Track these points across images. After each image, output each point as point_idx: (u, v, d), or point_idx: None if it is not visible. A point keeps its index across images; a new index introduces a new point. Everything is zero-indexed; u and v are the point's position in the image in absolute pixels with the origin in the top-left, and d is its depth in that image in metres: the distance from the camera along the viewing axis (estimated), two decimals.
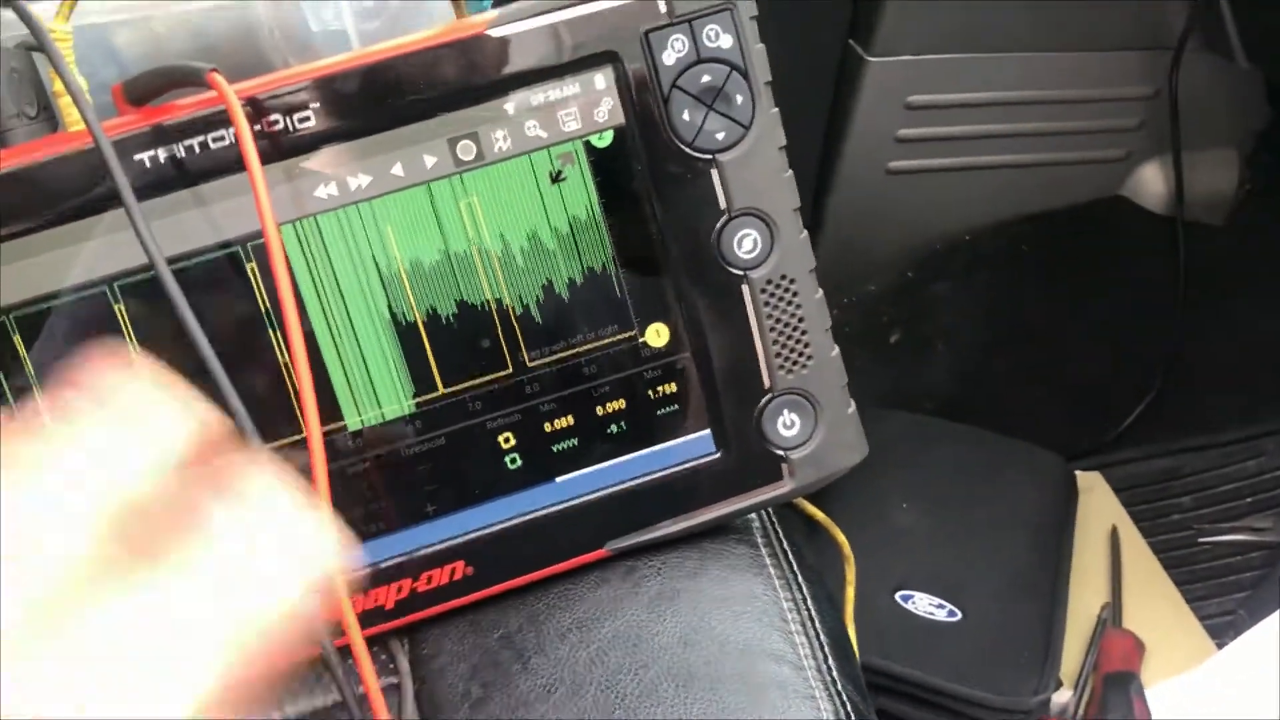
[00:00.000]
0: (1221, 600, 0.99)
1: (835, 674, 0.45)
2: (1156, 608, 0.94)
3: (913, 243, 1.03)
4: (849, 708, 0.44)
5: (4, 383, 0.43)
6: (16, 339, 0.43)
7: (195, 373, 0.44)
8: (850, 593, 0.55)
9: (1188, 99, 0.96)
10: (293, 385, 0.45)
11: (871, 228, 1.00)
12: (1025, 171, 1.00)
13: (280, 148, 0.43)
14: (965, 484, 0.93)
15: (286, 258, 0.43)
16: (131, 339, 0.44)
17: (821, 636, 0.46)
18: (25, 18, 0.39)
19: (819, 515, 0.54)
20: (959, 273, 1.05)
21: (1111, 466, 1.07)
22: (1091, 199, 1.03)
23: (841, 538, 0.55)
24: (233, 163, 0.43)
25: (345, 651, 0.40)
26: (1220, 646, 0.89)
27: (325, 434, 0.45)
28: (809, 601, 0.48)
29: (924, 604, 0.83)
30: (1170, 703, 0.84)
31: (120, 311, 0.43)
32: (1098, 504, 1.02)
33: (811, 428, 0.47)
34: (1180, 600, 0.95)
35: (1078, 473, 1.00)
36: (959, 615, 0.83)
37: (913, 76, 0.94)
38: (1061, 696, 0.83)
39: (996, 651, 0.81)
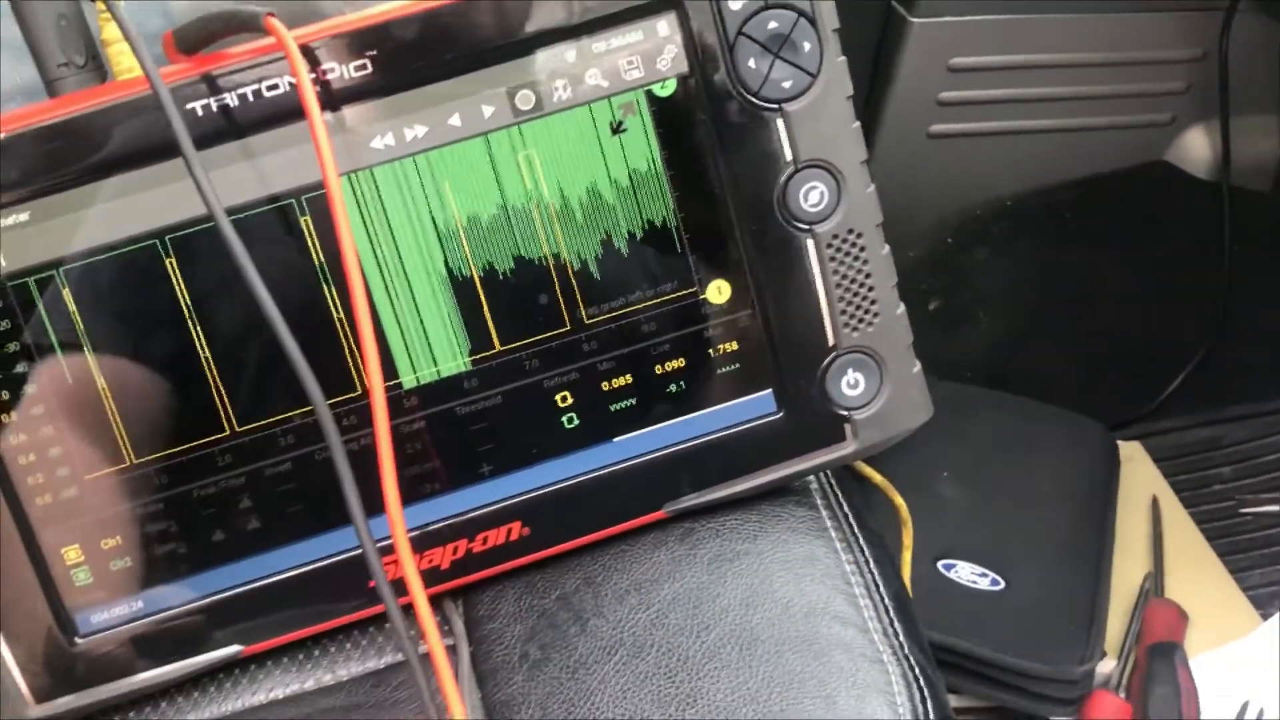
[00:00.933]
0: (1265, 571, 0.97)
1: (902, 637, 0.44)
2: (1199, 578, 0.93)
3: (953, 208, 1.02)
4: (916, 670, 0.43)
5: (54, 338, 0.42)
6: (66, 293, 0.42)
7: (250, 328, 0.43)
8: (907, 557, 0.54)
9: (1237, 62, 0.94)
10: (346, 342, 0.44)
11: (911, 193, 0.98)
12: (1068, 136, 0.98)
13: (335, 97, 0.42)
14: (1007, 453, 0.92)
15: None
16: (182, 293, 0.43)
17: (886, 599, 0.45)
18: None
19: (876, 477, 0.53)
20: (999, 239, 1.03)
21: (1152, 436, 1.06)
22: (1135, 164, 1.01)
23: (899, 500, 0.54)
24: (287, 112, 0.42)
25: (406, 611, 0.40)
26: (1265, 617, 0.88)
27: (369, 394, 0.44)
28: (871, 564, 0.47)
29: (967, 573, 0.82)
30: (1214, 672, 0.83)
31: (171, 266, 0.43)
32: (1139, 473, 1.01)
33: (876, 387, 0.46)
34: (1223, 570, 0.94)
35: (1119, 442, 0.99)
36: (1002, 584, 0.82)
37: (956, 38, 0.92)
38: (1106, 666, 0.82)
39: (1041, 621, 0.80)
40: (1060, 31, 0.93)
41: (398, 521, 0.39)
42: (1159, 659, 0.82)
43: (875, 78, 0.95)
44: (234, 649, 0.45)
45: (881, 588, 0.46)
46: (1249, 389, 1.06)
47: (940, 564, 0.82)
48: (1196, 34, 0.94)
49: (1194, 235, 1.03)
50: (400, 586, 0.39)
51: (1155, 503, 0.97)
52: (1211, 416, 1.07)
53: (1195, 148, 1.01)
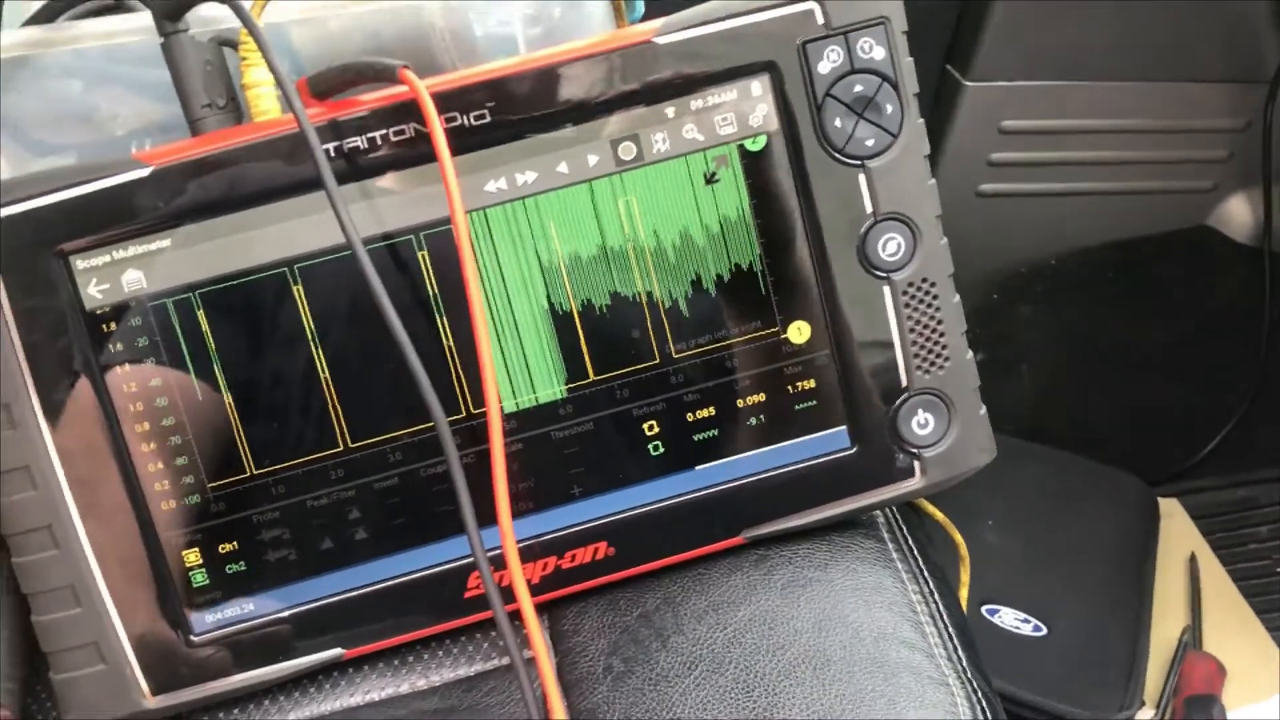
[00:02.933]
0: None
1: (966, 664, 0.47)
2: (1236, 634, 0.94)
3: (999, 265, 1.05)
4: (979, 694, 0.46)
5: (187, 356, 0.46)
6: (200, 315, 0.46)
7: (367, 352, 0.47)
8: (964, 593, 0.57)
9: None
10: (455, 368, 0.47)
11: (960, 248, 1.00)
12: (1114, 199, 1.02)
13: (456, 143, 0.45)
14: (1050, 505, 0.94)
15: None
16: (306, 318, 0.46)
17: (950, 628, 0.48)
18: (240, 12, 0.42)
19: (938, 515, 0.56)
20: (1044, 296, 1.06)
21: (1189, 494, 1.08)
22: (1178, 228, 1.04)
23: (958, 537, 0.56)
24: (411, 155, 0.45)
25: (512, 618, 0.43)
26: None
27: (486, 414, 0.47)
28: (935, 595, 0.49)
29: (1010, 618, 0.84)
30: None
31: (298, 292, 0.46)
32: (1177, 530, 1.03)
33: (945, 427, 0.49)
34: (1260, 627, 0.95)
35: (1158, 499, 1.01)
36: (1044, 630, 0.84)
37: (1007, 102, 0.96)
38: (1144, 715, 0.84)
39: (1081, 667, 0.82)
40: (1109, 98, 0.97)
41: (508, 532, 0.42)
42: (1197, 711, 0.84)
43: (929, 139, 0.98)
44: (336, 652, 0.48)
45: (945, 616, 0.48)
46: None
47: (984, 608, 0.85)
48: (1241, 105, 0.97)
49: (1234, 298, 1.06)
50: (503, 595, 0.42)
51: (1193, 559, 0.99)
52: (1248, 477, 1.09)
53: (1237, 213, 1.04)
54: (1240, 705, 0.87)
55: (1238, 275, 1.05)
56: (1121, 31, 0.94)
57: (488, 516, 0.43)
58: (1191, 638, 0.92)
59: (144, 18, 0.48)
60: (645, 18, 0.61)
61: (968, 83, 0.95)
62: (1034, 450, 1.00)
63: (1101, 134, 0.98)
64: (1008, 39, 0.93)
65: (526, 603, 0.41)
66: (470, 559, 0.47)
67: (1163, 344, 1.08)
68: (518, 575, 0.41)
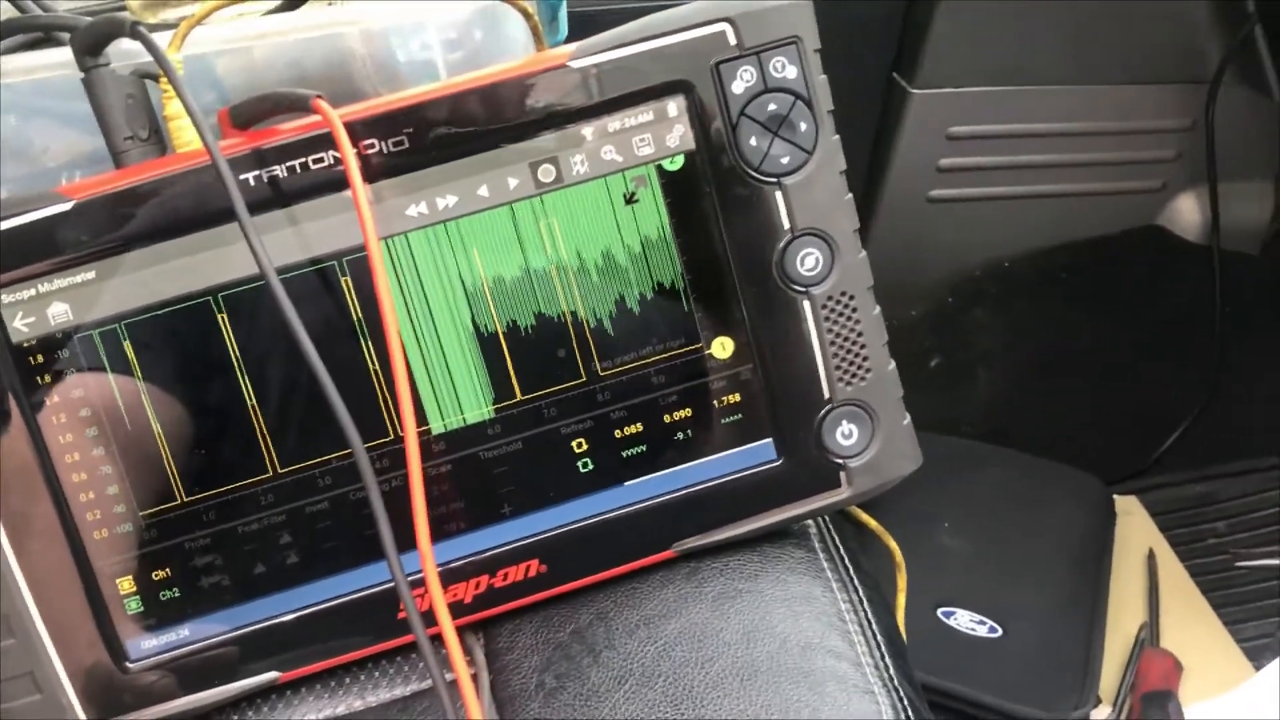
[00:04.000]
0: (1259, 624, 1.00)
1: (892, 671, 0.47)
2: (1194, 630, 0.95)
3: (953, 269, 1.06)
4: (905, 703, 0.46)
5: (114, 386, 0.46)
6: (127, 345, 0.46)
7: (292, 378, 0.47)
8: (901, 599, 0.57)
9: (1224, 131, 0.98)
10: (380, 391, 0.48)
11: (912, 255, 1.03)
12: (1063, 201, 1.03)
13: (375, 169, 0.46)
14: (1006, 506, 0.95)
15: None
16: (232, 346, 0.47)
17: (878, 636, 0.49)
18: (152, 48, 0.43)
19: (872, 523, 0.56)
20: (998, 299, 1.07)
21: (1148, 491, 1.09)
22: (1128, 228, 1.05)
23: (893, 544, 0.57)
24: (330, 183, 0.46)
25: (433, 641, 0.43)
26: (1258, 668, 0.90)
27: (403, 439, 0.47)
28: (865, 603, 0.50)
29: (966, 620, 0.85)
30: None
31: (222, 320, 0.47)
32: (1135, 528, 1.04)
33: (869, 437, 0.50)
34: (1217, 623, 0.96)
35: (1115, 497, 1.02)
36: (1000, 632, 0.85)
37: (954, 108, 0.97)
38: (1101, 713, 0.85)
39: (1037, 667, 0.83)
40: (1055, 102, 0.98)
41: (428, 556, 0.42)
42: (1153, 707, 0.85)
43: (877, 145, 0.99)
44: (272, 675, 0.48)
45: (874, 625, 0.49)
46: (1242, 446, 1.09)
47: (940, 611, 0.85)
48: (1185, 105, 0.99)
49: (1186, 296, 1.07)
50: (428, 618, 0.43)
51: (1151, 555, 1.00)
52: (1205, 473, 1.10)
53: (1186, 212, 1.05)
54: (1197, 700, 0.88)
55: (1189, 273, 1.06)
56: (1065, 36, 0.95)
57: (413, 539, 0.44)
58: (1149, 634, 0.93)
59: (65, 52, 0.48)
60: (569, 40, 0.62)
61: (914, 90, 0.96)
62: (990, 452, 1.01)
63: (1049, 137, 1.00)
64: (952, 46, 0.94)
65: (447, 624, 0.41)
66: None
67: (1117, 343, 1.09)
68: (438, 598, 0.42)
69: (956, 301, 1.07)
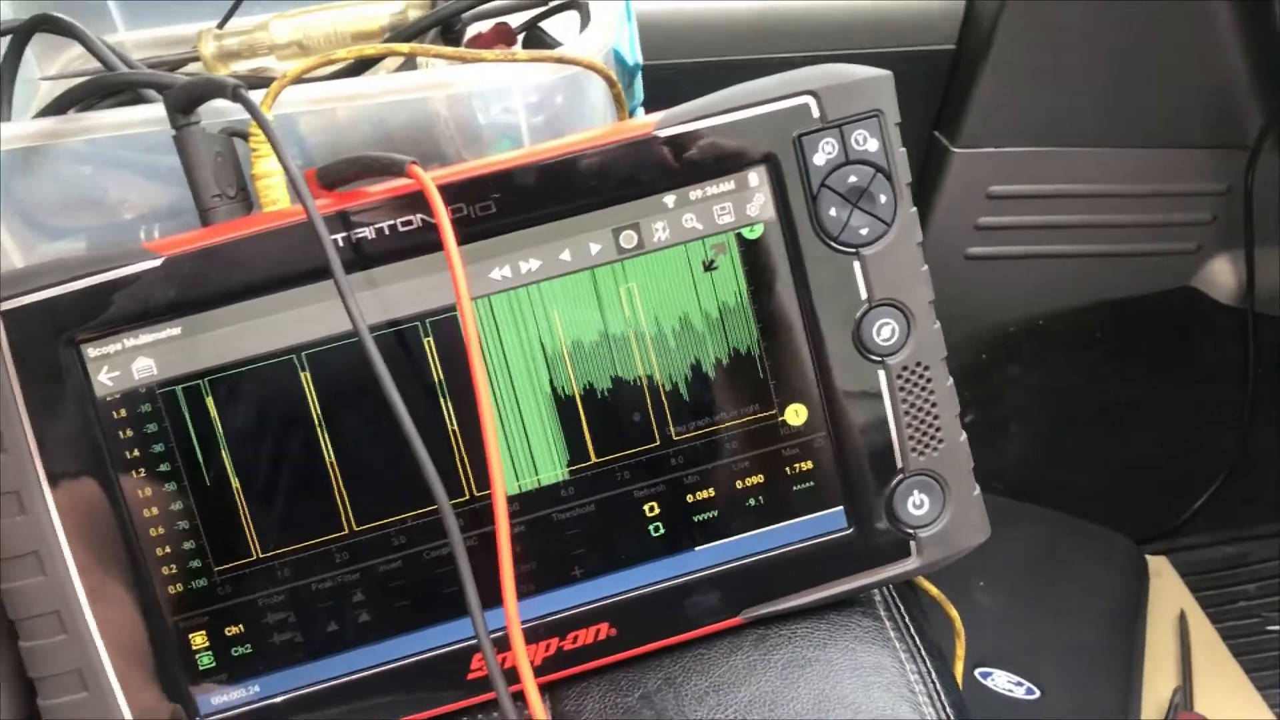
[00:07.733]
0: None
1: None
2: (1227, 693, 0.95)
3: (988, 326, 1.06)
4: None
5: (195, 442, 0.47)
6: (209, 401, 0.47)
7: (372, 437, 0.47)
8: (960, 667, 0.57)
9: (1261, 196, 0.99)
10: (459, 451, 0.48)
11: (948, 311, 1.02)
12: (1099, 261, 1.04)
13: (463, 233, 0.46)
14: (1040, 565, 0.95)
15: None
16: (313, 403, 0.47)
17: (947, 707, 0.49)
18: (254, 112, 0.43)
19: (933, 590, 0.56)
20: (1032, 356, 1.08)
21: (1178, 552, 1.09)
22: (1163, 289, 1.06)
23: (954, 613, 0.57)
24: (417, 244, 0.46)
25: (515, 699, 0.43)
26: None
27: (491, 496, 0.48)
28: (933, 674, 0.50)
29: (1003, 681, 0.85)
30: None
31: (305, 379, 0.47)
32: (1165, 589, 1.04)
33: (940, 508, 0.50)
34: (1250, 686, 0.96)
35: (1146, 557, 1.02)
36: (1037, 693, 0.84)
37: (995, 167, 0.98)
38: None
39: None
40: (1094, 164, 0.99)
41: (513, 614, 0.42)
42: None
43: (918, 202, 1.00)
44: None
45: (943, 695, 0.49)
46: (1273, 509, 1.09)
47: (978, 671, 0.85)
48: (1223, 170, 0.99)
49: (1219, 358, 1.08)
50: (507, 676, 0.43)
51: (1183, 617, 1.00)
52: (1236, 534, 1.10)
53: (1221, 275, 1.06)
54: None
55: (1222, 335, 1.06)
56: (1106, 99, 0.96)
57: (491, 598, 0.44)
58: (1183, 698, 0.93)
59: (156, 108, 0.49)
60: (645, 104, 0.63)
61: (955, 149, 0.96)
62: (1023, 510, 1.01)
63: (1087, 198, 1.00)
64: (995, 106, 0.95)
65: (530, 684, 0.41)
66: (472, 640, 0.48)
67: (1150, 403, 1.09)
68: (522, 657, 0.42)
69: (991, 358, 1.08)
